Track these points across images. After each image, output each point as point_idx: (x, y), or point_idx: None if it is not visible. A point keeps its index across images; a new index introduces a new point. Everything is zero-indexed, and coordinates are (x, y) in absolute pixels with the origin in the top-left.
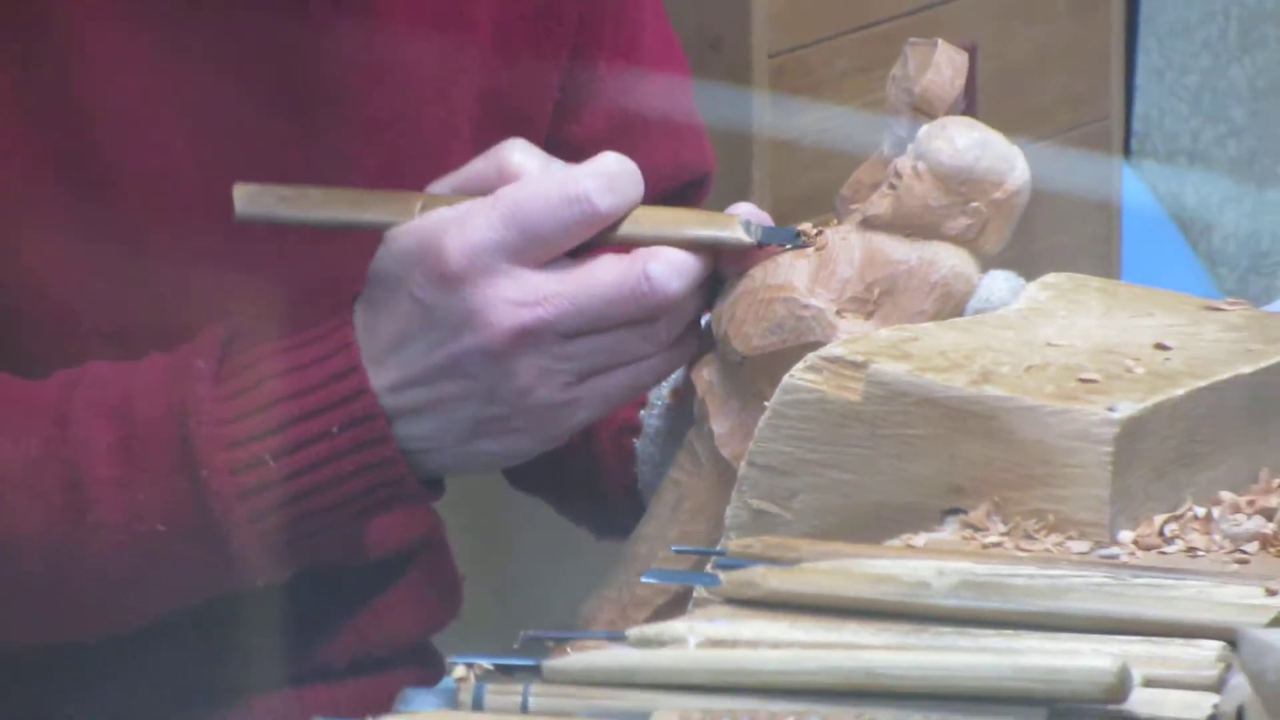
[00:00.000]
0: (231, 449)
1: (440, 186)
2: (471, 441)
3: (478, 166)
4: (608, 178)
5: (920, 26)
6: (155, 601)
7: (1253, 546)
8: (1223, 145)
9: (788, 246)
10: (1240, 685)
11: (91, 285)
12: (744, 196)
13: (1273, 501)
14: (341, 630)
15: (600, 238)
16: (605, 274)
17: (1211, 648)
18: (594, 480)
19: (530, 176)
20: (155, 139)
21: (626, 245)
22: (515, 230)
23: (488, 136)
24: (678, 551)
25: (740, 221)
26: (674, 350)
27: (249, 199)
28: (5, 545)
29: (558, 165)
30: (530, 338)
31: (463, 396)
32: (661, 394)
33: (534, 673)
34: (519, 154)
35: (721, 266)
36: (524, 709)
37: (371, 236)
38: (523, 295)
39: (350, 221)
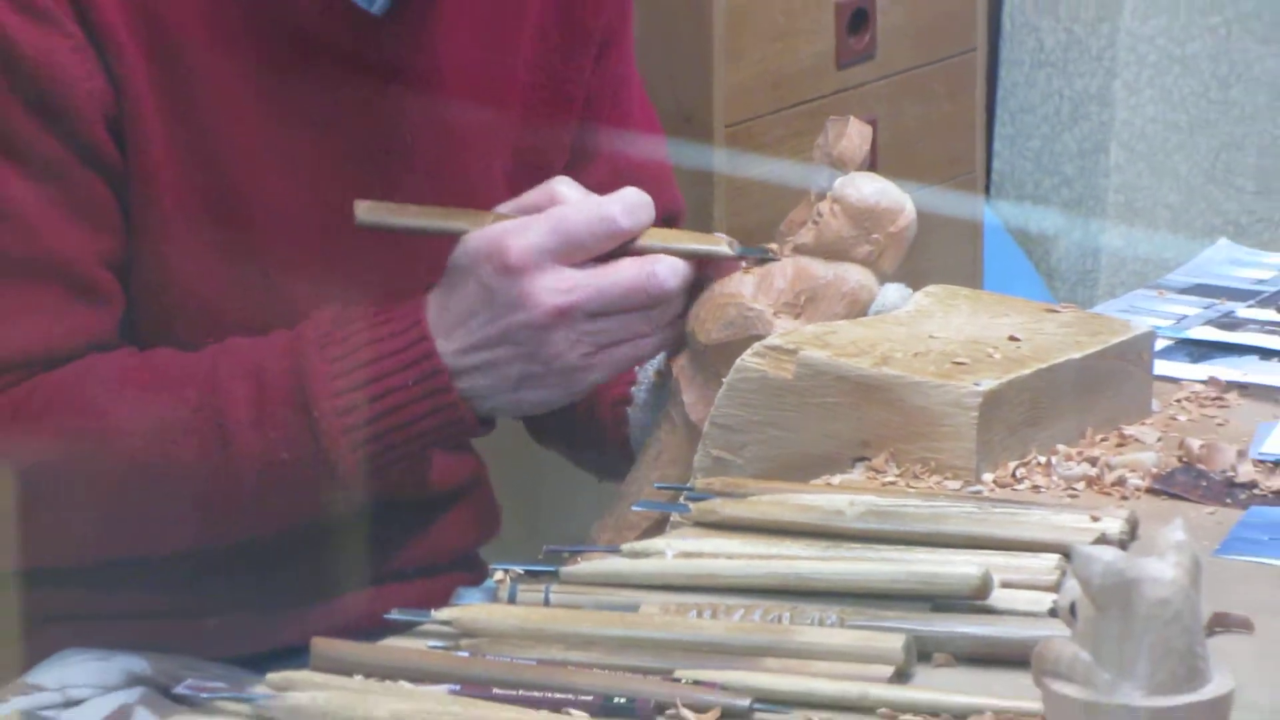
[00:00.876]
0: (335, 397)
1: (505, 207)
2: (516, 392)
3: (534, 194)
4: (629, 204)
5: (837, 105)
6: (280, 514)
7: (1081, 485)
8: (1057, 191)
9: (753, 260)
10: (1073, 587)
11: (230, 286)
12: (708, 229)
13: (1095, 452)
14: (412, 545)
15: (621, 248)
16: (623, 272)
17: (1051, 559)
18: (598, 438)
19: (572, 201)
20: (275, 179)
21: (639, 253)
22: (559, 238)
23: (517, 179)
24: (659, 488)
25: (725, 240)
26: (665, 332)
27: (367, 210)
28: (172, 472)
29: (593, 195)
30: (564, 316)
31: (511, 359)
32: (648, 375)
33: (553, 576)
34: (564, 186)
35: (704, 274)
36: (546, 602)
37: (435, 252)
38: (561, 285)
39: (440, 228)
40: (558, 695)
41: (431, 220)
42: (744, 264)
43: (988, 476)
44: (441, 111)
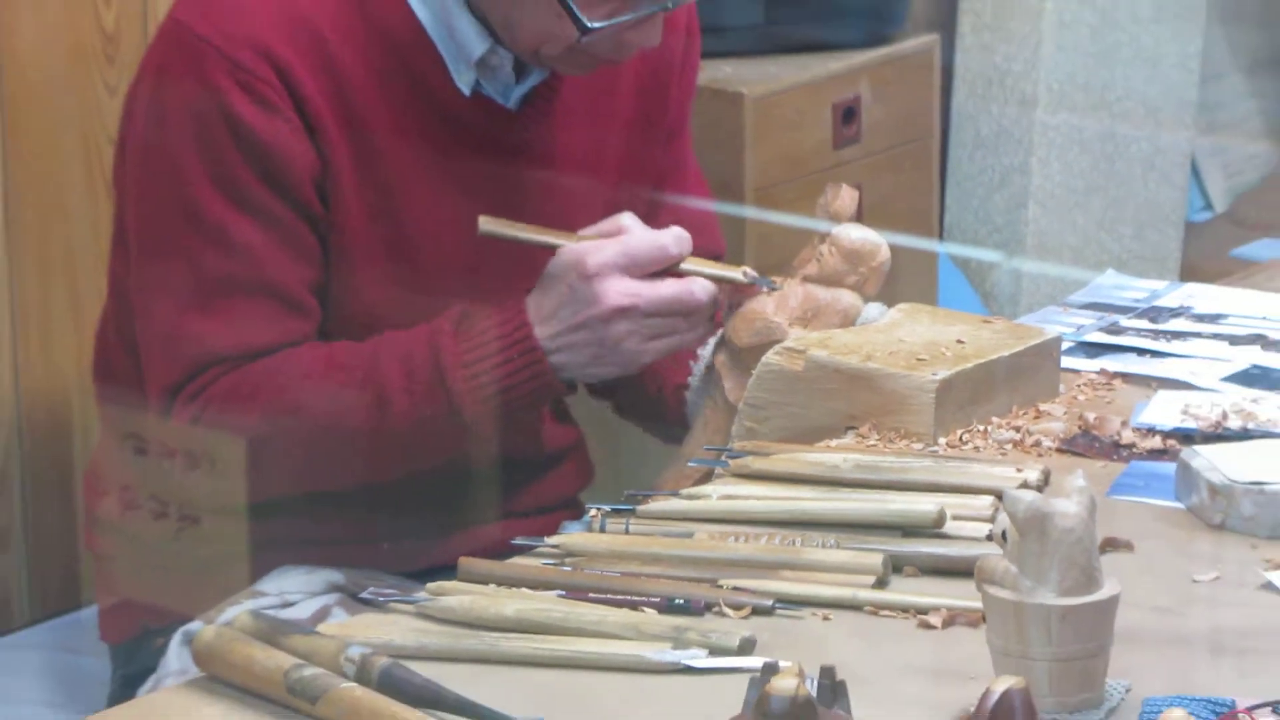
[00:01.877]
0: (463, 368)
1: (585, 231)
2: (588, 367)
3: (606, 223)
4: (677, 237)
5: (833, 175)
6: (425, 457)
7: (1009, 446)
8: (990, 236)
9: (764, 288)
10: (1004, 519)
11: (395, 302)
12: (742, 263)
13: (1019, 423)
14: (532, 491)
15: (669, 269)
16: (669, 285)
17: (987, 499)
18: (664, 414)
19: (636, 231)
20: (433, 228)
21: (681, 274)
22: (625, 256)
23: (609, 212)
24: (707, 450)
25: (742, 270)
26: (696, 331)
27: (487, 222)
28: (346, 427)
29: (651, 229)
30: (624, 312)
31: (586, 342)
32: (699, 369)
33: (631, 513)
34: (627, 219)
35: (728, 294)
36: (626, 531)
37: (532, 273)
38: (624, 289)
39: (539, 242)
40: (635, 597)
41: (533, 234)
42: (763, 289)
43: (942, 440)
44: (555, 180)
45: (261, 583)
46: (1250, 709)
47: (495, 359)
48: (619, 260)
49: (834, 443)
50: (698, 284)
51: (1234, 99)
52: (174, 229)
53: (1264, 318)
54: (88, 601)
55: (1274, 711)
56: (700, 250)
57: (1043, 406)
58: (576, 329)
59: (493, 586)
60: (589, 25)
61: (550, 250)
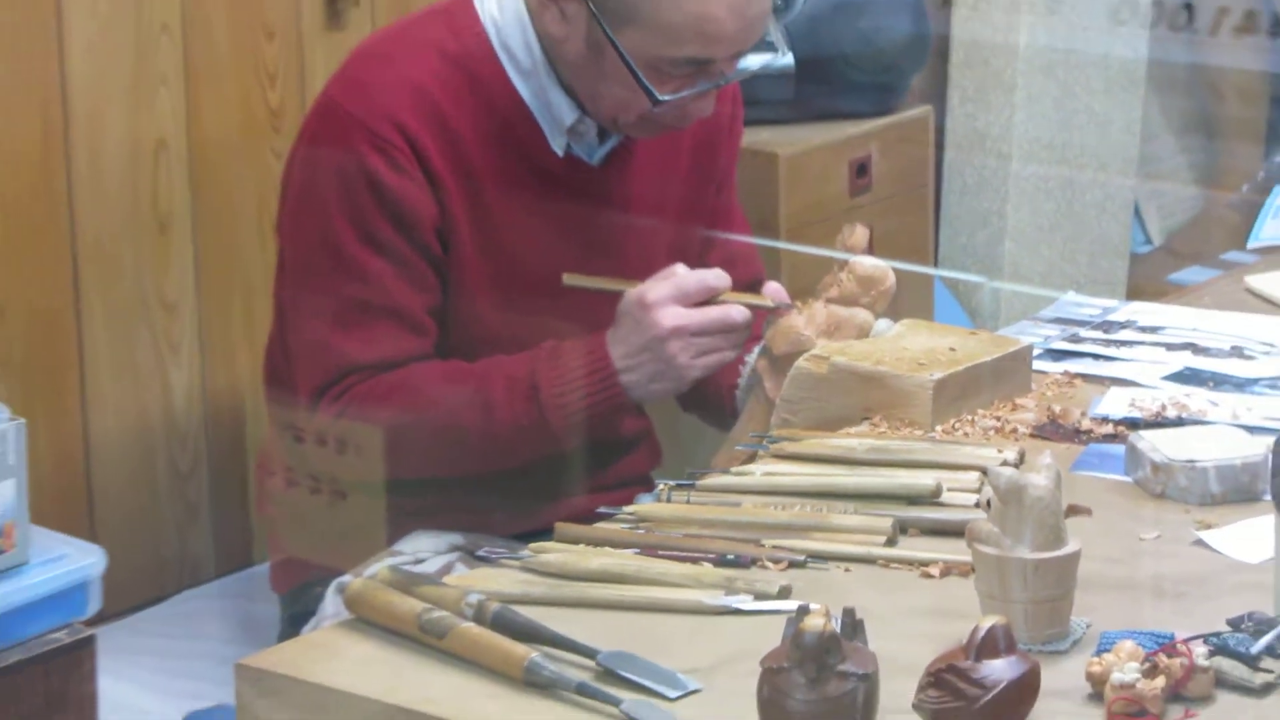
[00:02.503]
0: (553, 388)
1: (651, 279)
2: (650, 383)
3: (663, 271)
4: (716, 275)
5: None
6: (521, 455)
7: (992, 433)
8: (975, 265)
9: (792, 308)
10: (988, 490)
11: (500, 328)
12: (775, 282)
13: (999, 414)
14: (613, 470)
15: (712, 299)
16: (712, 311)
17: (975, 474)
18: (719, 409)
19: (685, 273)
20: (532, 267)
21: (721, 303)
22: (676, 289)
23: (670, 257)
24: (753, 436)
25: (769, 298)
26: (735, 349)
27: (570, 278)
28: (459, 429)
29: (696, 271)
30: (677, 332)
31: (647, 362)
32: (745, 373)
33: (692, 487)
34: (680, 267)
35: (768, 313)
36: (687, 502)
37: (605, 301)
38: (675, 314)
39: (613, 289)
40: (695, 554)
41: (608, 284)
42: (793, 309)
43: (938, 428)
44: (631, 222)
45: (398, 544)
46: (1185, 640)
47: (579, 386)
48: (671, 292)
49: (852, 430)
50: (735, 309)
51: (1167, 154)
52: (322, 265)
53: (1194, 329)
54: (260, 560)
55: (1205, 642)
56: (742, 275)
57: (1018, 401)
58: (641, 350)
59: (582, 546)
60: (659, 99)
61: (618, 292)
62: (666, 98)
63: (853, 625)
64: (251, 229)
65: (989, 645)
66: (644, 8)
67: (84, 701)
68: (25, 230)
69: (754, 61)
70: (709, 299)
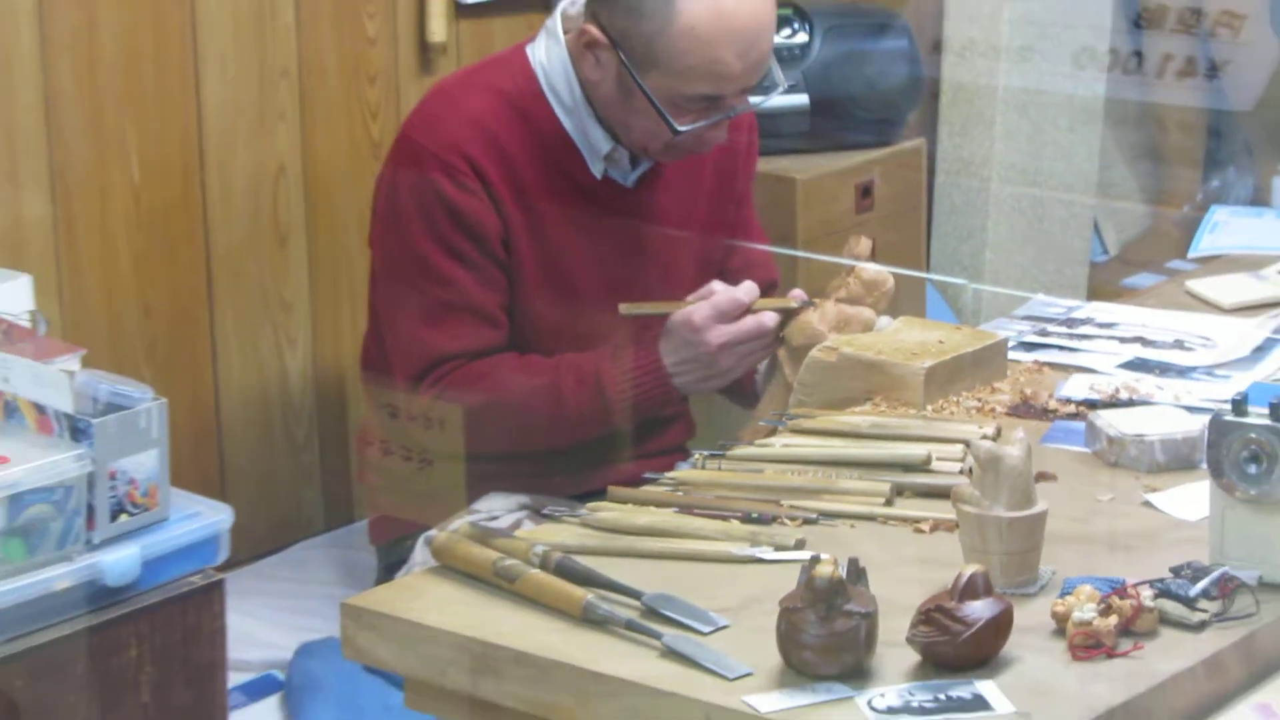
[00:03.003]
0: (615, 385)
1: (691, 298)
2: (700, 384)
3: (702, 290)
4: (746, 290)
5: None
6: (585, 434)
7: (974, 412)
8: (960, 271)
9: (809, 306)
10: (970, 459)
11: (557, 325)
12: (794, 289)
13: (980, 396)
14: (656, 440)
15: (746, 310)
16: (748, 322)
17: (959, 446)
18: (744, 392)
19: (722, 291)
20: (578, 273)
21: (754, 311)
22: (716, 310)
23: (699, 268)
24: (773, 414)
25: (794, 299)
26: (769, 348)
27: (626, 307)
28: (533, 413)
29: (731, 288)
30: (724, 348)
31: (695, 369)
32: (766, 361)
33: (722, 456)
34: (717, 285)
35: (788, 315)
36: (719, 469)
37: (658, 322)
38: (720, 333)
39: (663, 311)
40: (725, 512)
41: (658, 308)
42: (808, 307)
43: (929, 408)
44: (661, 234)
45: (476, 504)
46: (1134, 585)
47: (637, 385)
48: (712, 313)
49: (856, 409)
50: (766, 316)
51: (1121, 179)
52: (408, 271)
53: (1143, 326)
54: (360, 517)
55: (1151, 586)
56: (760, 278)
57: (995, 385)
58: (692, 363)
59: (630, 505)
60: (678, 129)
61: (661, 316)
62: (685, 128)
63: (856, 572)
64: (355, 241)
65: (970, 589)
66: (663, 54)
67: (215, 635)
68: (168, 243)
69: (762, 94)
70: (743, 311)
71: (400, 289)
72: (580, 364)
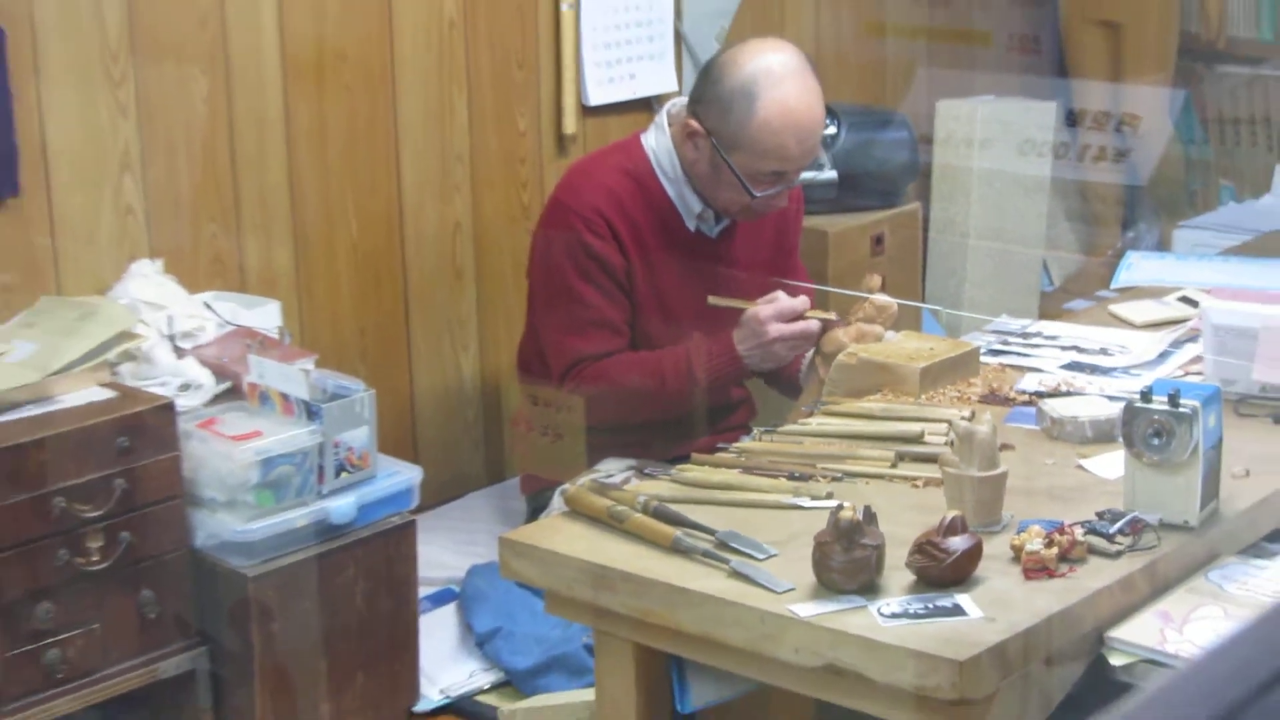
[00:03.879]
0: (703, 367)
1: (759, 301)
2: (761, 363)
3: (769, 296)
4: (801, 300)
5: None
6: (681, 408)
7: (955, 400)
8: (946, 299)
9: (836, 323)
10: (952, 435)
11: (662, 334)
12: (828, 311)
13: (960, 388)
14: (725, 422)
15: (798, 316)
16: (799, 325)
17: (944, 424)
18: (790, 386)
19: (783, 299)
20: (675, 298)
21: (804, 318)
22: (777, 313)
23: (759, 293)
24: (811, 403)
25: (832, 314)
26: (811, 345)
27: (713, 299)
28: (644, 392)
29: (790, 298)
30: (779, 339)
31: (758, 352)
32: (806, 361)
33: (774, 431)
34: (780, 294)
35: (826, 325)
36: (771, 441)
37: (721, 318)
38: (778, 329)
39: (740, 306)
40: (775, 472)
41: (736, 303)
42: (839, 324)
43: (923, 397)
44: (735, 275)
45: (597, 466)
46: (1070, 525)
47: (715, 360)
48: (774, 313)
49: (870, 398)
50: (812, 323)
51: (1061, 234)
52: (559, 297)
53: (1077, 338)
54: (512, 475)
55: (1081, 526)
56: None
57: (970, 380)
58: (756, 348)
59: (707, 467)
60: (755, 195)
61: (740, 310)
62: (759, 195)
63: (869, 516)
64: (510, 276)
65: (951, 528)
66: (745, 142)
67: (409, 559)
68: (376, 278)
69: (809, 174)
70: (797, 316)
71: (552, 309)
72: (675, 352)
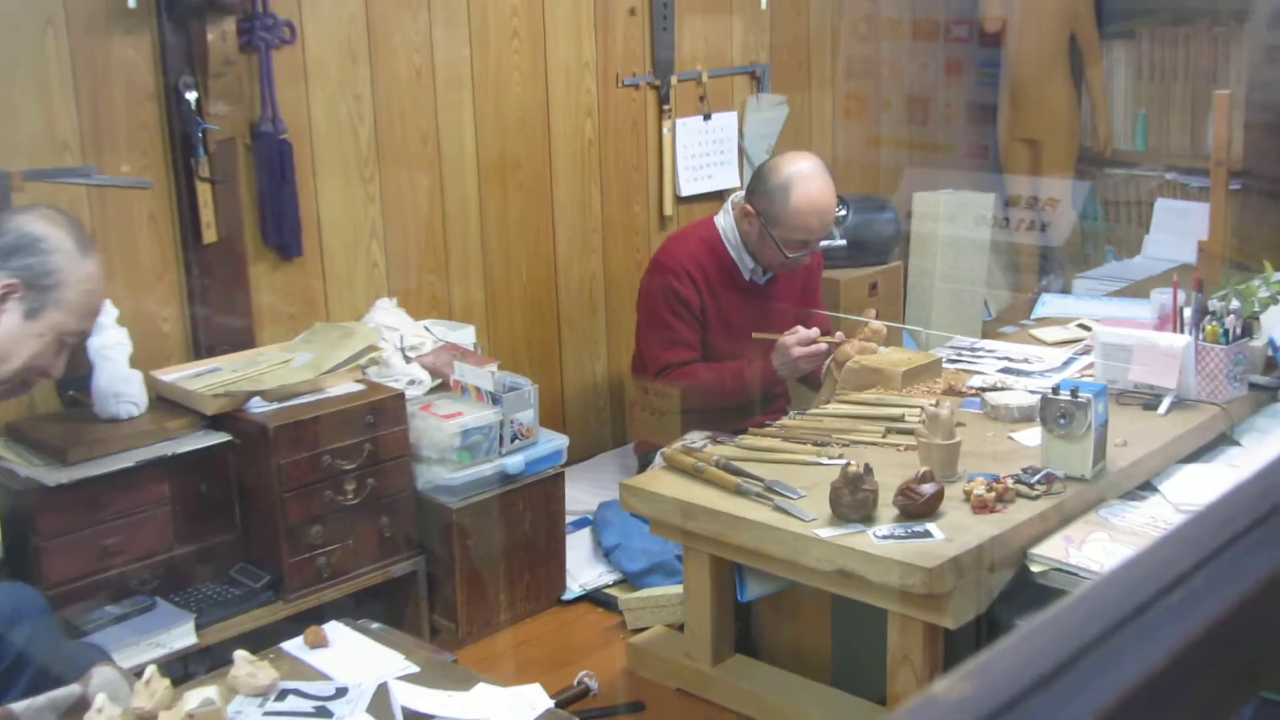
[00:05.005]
0: (752, 374)
1: (786, 333)
2: (789, 373)
3: (794, 328)
4: (814, 331)
5: (868, 304)
6: (739, 398)
7: (924, 393)
8: (919, 323)
9: (842, 341)
10: (923, 414)
11: (720, 349)
12: (837, 332)
13: (929, 385)
14: (771, 406)
15: (813, 341)
16: (813, 347)
17: (919, 409)
18: (815, 383)
19: (803, 331)
20: (734, 328)
21: (820, 341)
22: (798, 340)
23: (793, 323)
24: (829, 395)
25: (840, 337)
26: (821, 361)
27: (756, 335)
28: (713, 389)
29: (807, 330)
30: (802, 356)
31: (787, 364)
32: (824, 370)
33: (803, 414)
34: (800, 327)
35: (836, 344)
36: (802, 420)
37: (767, 344)
38: (800, 352)
39: (774, 338)
40: (803, 440)
41: (771, 336)
42: (846, 342)
43: (904, 391)
44: (777, 310)
45: (685, 436)
46: (1004, 477)
47: (760, 373)
48: (795, 341)
49: (869, 392)
50: (821, 345)
51: (999, 281)
52: (655, 323)
53: (1008, 351)
54: (628, 441)
55: (1011, 477)
56: (820, 325)
57: (936, 380)
58: (785, 364)
59: (759, 436)
60: (789, 257)
61: (774, 339)
62: (792, 256)
63: (868, 470)
64: (627, 309)
65: (923, 479)
66: (782, 220)
67: (559, 498)
68: (539, 310)
69: (826, 241)
70: (811, 342)
71: (651, 332)
72: (735, 366)
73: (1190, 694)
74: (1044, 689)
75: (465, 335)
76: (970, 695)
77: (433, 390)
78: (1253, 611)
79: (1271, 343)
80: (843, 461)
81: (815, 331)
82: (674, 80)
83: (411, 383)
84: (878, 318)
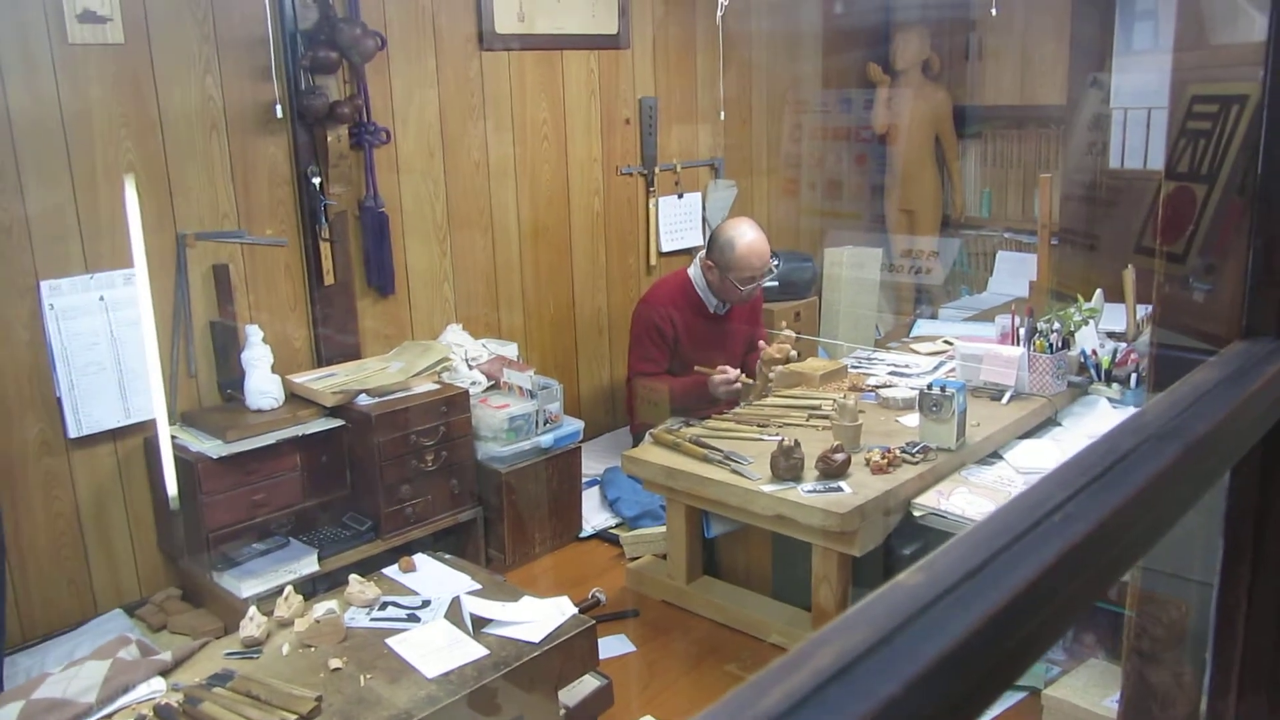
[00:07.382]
0: (695, 389)
1: (714, 373)
2: (718, 396)
3: (721, 368)
4: (736, 373)
5: (789, 326)
6: (686, 402)
7: (835, 389)
8: (830, 337)
9: (752, 382)
10: (839, 404)
11: (682, 367)
12: (771, 348)
13: (839, 384)
14: (727, 402)
15: (736, 378)
16: (734, 386)
17: (832, 400)
18: (753, 387)
19: (729, 370)
20: (697, 349)
21: (738, 378)
22: (723, 379)
23: (743, 347)
24: (764, 392)
25: (777, 350)
26: (739, 392)
27: (697, 369)
28: (676, 395)
29: (729, 370)
30: (724, 389)
31: (714, 392)
32: (759, 369)
33: (750, 405)
34: (726, 366)
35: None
36: (749, 408)
37: (717, 365)
38: (715, 387)
39: (707, 372)
40: (749, 424)
41: (705, 371)
42: (767, 349)
43: (821, 389)
44: (732, 334)
45: (667, 421)
46: (893, 448)
47: (700, 389)
48: (721, 381)
49: (795, 389)
50: (737, 385)
51: (885, 310)
52: (636, 345)
53: (894, 359)
54: (623, 425)
55: (898, 449)
56: (760, 342)
57: (844, 380)
58: (713, 390)
59: (719, 421)
60: (742, 290)
61: (709, 373)
62: (745, 289)
63: (797, 443)
64: (624, 335)
65: (837, 450)
66: (732, 264)
67: (577, 465)
68: (561, 333)
69: (766, 279)
70: (730, 380)
71: (634, 351)
72: (691, 379)
73: (1070, 586)
74: (973, 578)
75: (511, 350)
76: (923, 582)
77: (488, 389)
78: (1109, 531)
79: (1083, 353)
80: (779, 437)
81: (736, 373)
82: (657, 170)
83: (473, 383)
84: (797, 334)
